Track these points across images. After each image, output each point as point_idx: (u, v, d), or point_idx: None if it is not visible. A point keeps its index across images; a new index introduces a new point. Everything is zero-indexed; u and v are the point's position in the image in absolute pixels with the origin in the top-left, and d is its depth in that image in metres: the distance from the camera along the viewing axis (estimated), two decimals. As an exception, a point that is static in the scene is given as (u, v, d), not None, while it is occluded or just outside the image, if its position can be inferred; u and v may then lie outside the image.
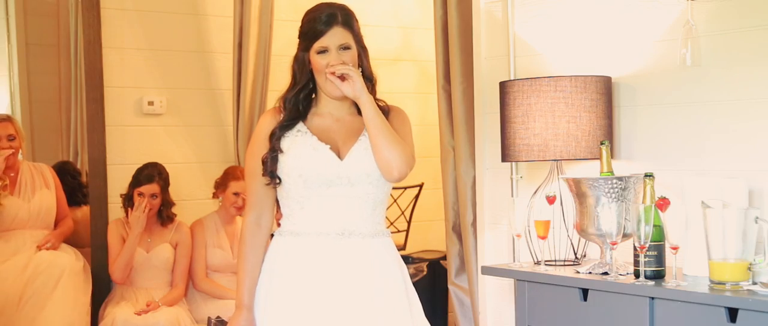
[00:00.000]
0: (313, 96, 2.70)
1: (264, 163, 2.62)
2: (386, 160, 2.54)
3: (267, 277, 2.64)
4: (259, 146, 2.64)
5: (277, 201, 2.70)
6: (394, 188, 2.81)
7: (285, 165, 2.59)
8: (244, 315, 2.62)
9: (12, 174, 4.50)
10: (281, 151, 2.60)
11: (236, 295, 2.66)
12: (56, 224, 4.59)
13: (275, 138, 2.61)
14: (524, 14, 3.70)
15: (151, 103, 4.95)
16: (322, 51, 2.59)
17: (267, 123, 2.66)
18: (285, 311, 2.57)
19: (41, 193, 4.51)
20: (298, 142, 2.60)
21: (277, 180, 2.61)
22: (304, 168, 2.56)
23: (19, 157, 4.56)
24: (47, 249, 4.39)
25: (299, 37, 2.67)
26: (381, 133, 2.53)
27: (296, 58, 2.67)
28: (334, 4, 2.66)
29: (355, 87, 2.54)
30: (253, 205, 2.68)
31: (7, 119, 4.54)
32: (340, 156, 2.59)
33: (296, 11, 5.26)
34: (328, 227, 2.58)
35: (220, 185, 4.71)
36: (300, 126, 2.64)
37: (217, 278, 4.62)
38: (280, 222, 2.69)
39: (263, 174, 2.63)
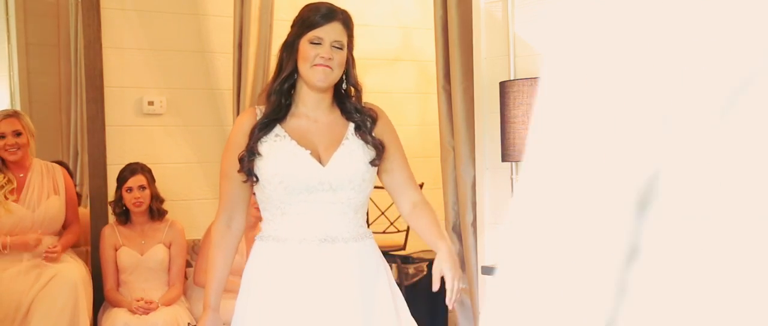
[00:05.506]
0: (292, 92, 2.64)
1: (241, 160, 2.56)
2: None
3: (248, 283, 2.61)
4: (235, 147, 2.60)
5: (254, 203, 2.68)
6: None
7: (265, 171, 2.54)
8: (210, 316, 2.62)
9: (21, 175, 4.40)
10: (259, 154, 2.55)
11: (204, 297, 2.66)
12: (64, 228, 4.50)
13: (254, 138, 2.56)
14: (524, 14, 3.70)
15: (151, 103, 4.95)
16: (316, 42, 2.56)
17: (244, 123, 2.62)
18: (267, 318, 2.54)
19: (48, 202, 4.40)
20: (277, 147, 2.55)
21: (254, 178, 2.56)
22: (285, 174, 2.52)
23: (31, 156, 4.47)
24: (51, 257, 4.27)
25: (293, 26, 2.63)
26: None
27: (285, 45, 2.63)
28: (336, 6, 2.65)
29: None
30: (225, 207, 2.64)
31: (14, 115, 4.41)
32: (321, 161, 2.55)
33: (296, 11, 5.26)
34: (310, 233, 2.54)
35: None
36: (278, 130, 2.58)
37: (232, 280, 4.53)
38: (262, 225, 2.65)
39: (239, 171, 2.57)
